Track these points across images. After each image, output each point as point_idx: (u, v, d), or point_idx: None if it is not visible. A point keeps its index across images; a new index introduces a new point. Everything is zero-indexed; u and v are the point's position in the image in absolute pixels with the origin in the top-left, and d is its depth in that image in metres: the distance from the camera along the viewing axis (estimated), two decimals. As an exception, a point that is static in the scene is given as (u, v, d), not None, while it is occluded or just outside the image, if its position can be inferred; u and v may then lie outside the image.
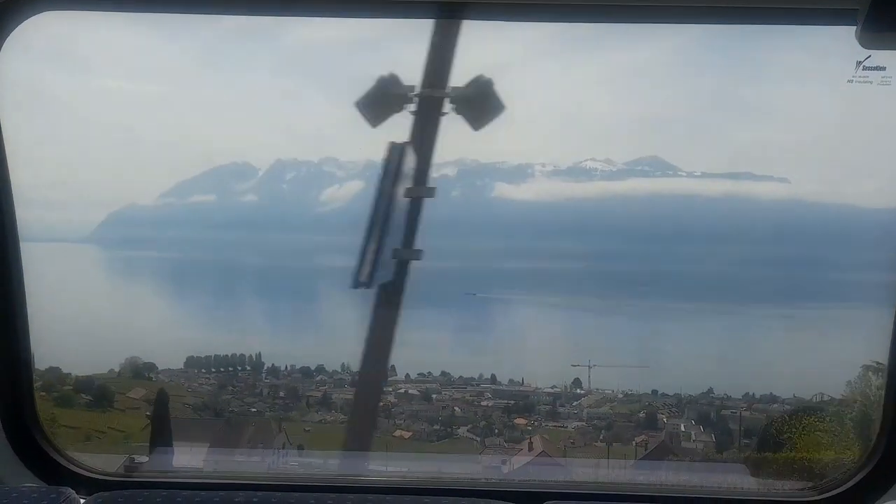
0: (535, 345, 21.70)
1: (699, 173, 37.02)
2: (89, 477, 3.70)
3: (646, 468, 15.46)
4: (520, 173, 41.02)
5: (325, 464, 14.82)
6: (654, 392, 17.80)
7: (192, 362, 19.00)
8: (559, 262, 29.19)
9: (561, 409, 17.59)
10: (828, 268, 25.49)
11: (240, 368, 20.02)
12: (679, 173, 37.61)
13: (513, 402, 17.96)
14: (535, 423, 17.26)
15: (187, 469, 12.35)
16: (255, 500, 2.81)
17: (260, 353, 19.94)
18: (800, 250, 27.47)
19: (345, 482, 4.00)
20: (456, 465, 16.13)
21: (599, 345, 22.37)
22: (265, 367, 20.71)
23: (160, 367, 20.68)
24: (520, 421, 17.30)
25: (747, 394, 17.30)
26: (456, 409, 17.53)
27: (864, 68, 3.35)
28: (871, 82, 3.34)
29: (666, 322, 24.46)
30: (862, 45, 3.05)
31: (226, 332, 22.81)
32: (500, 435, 17.16)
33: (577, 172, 40.83)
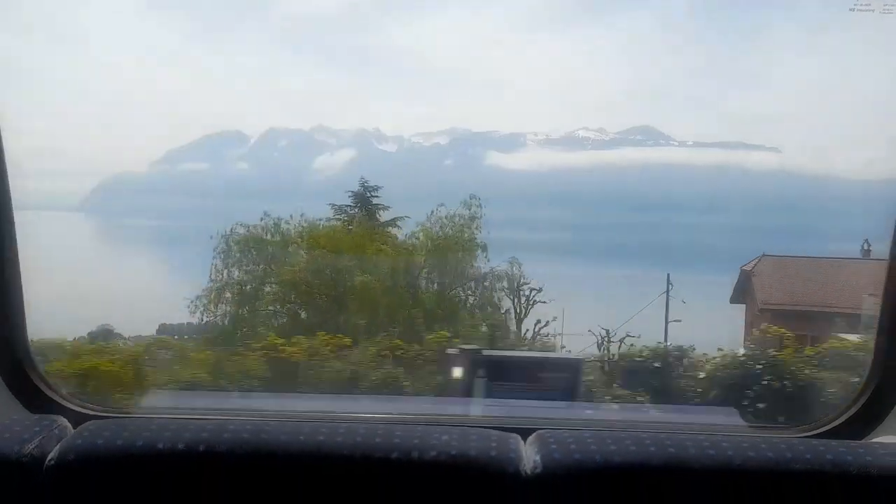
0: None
1: (691, 143, 37.14)
2: (81, 411, 3.75)
3: (630, 408, 15.71)
4: (512, 142, 41.03)
5: (315, 403, 15.11)
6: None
7: (164, 329, 19.06)
8: (549, 231, 29.27)
9: None
10: (816, 238, 25.63)
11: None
12: (671, 142, 37.72)
13: None
14: None
15: (177, 406, 12.45)
16: (247, 426, 2.85)
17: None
18: (792, 221, 27.60)
19: (336, 416, 4.04)
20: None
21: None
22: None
23: (131, 335, 20.96)
24: None
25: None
26: None
27: None
28: (872, 10, 3.28)
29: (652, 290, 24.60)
30: None
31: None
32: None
33: (569, 142, 40.84)
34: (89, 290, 19.58)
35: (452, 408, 14.70)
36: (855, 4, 3.30)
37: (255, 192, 35.21)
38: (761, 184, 31.25)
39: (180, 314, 17.59)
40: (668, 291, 19.85)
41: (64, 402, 3.93)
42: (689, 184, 31.59)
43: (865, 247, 20.85)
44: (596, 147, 35.26)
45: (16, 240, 3.81)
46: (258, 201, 34.11)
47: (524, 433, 3.14)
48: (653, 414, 15.40)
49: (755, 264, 20.34)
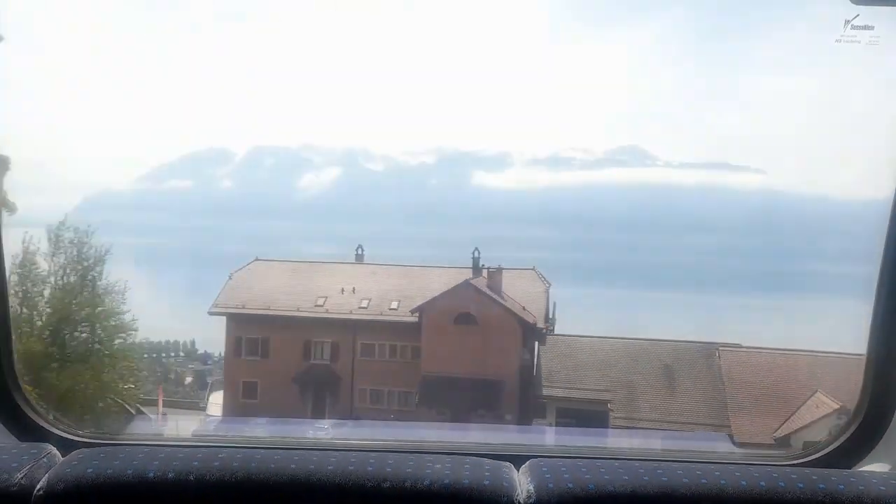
0: None
1: (677, 163, 37.41)
2: (68, 438, 3.66)
3: (623, 435, 15.76)
4: (499, 162, 41.21)
5: (306, 430, 15.09)
6: None
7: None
8: (534, 251, 29.29)
9: None
10: (802, 258, 25.78)
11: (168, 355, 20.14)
12: (657, 163, 37.98)
13: None
14: None
15: (169, 434, 12.29)
16: (237, 456, 2.77)
17: (194, 341, 19.89)
18: (775, 241, 27.76)
19: (326, 445, 3.99)
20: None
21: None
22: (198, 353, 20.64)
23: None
24: None
25: None
26: None
27: (853, 27, 3.28)
28: (858, 42, 3.28)
29: (637, 311, 24.69)
30: (851, 1, 3.01)
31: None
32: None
33: (555, 161, 41.09)
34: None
35: (446, 434, 14.59)
36: (841, 36, 3.32)
37: (240, 211, 35.11)
38: (745, 204, 31.47)
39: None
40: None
41: (52, 429, 3.83)
42: (675, 204, 31.78)
43: (359, 252, 21.41)
44: (582, 167, 35.51)
45: (5, 266, 3.70)
46: (243, 220, 34.02)
47: (517, 460, 3.09)
48: (646, 440, 15.44)
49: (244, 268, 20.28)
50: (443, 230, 31.71)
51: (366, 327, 19.20)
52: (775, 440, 14.69)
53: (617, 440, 15.48)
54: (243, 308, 19.20)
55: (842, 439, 3.61)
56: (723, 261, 26.92)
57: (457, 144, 38.51)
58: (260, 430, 15.07)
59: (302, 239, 32.21)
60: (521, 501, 2.77)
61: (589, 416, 16.80)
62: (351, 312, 19.24)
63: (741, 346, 17.60)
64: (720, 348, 17.34)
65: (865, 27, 3.19)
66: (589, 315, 24.33)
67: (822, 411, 14.74)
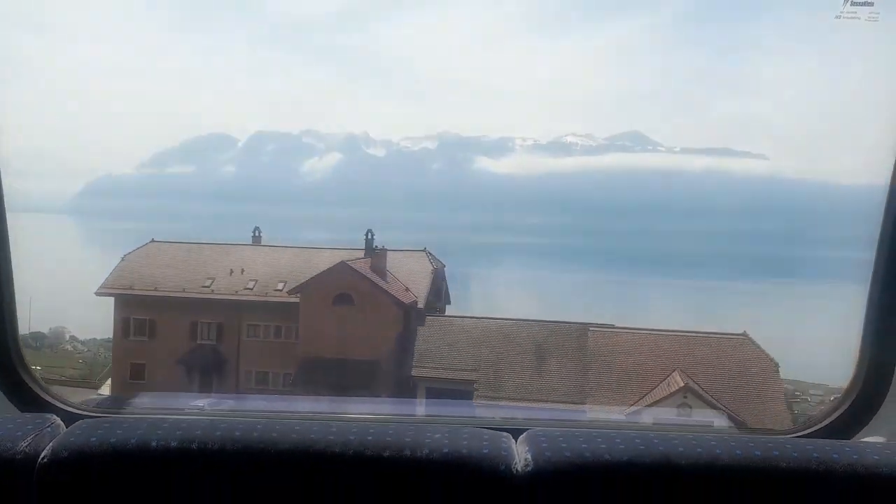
0: None
1: (679, 149, 37.27)
2: (72, 411, 3.70)
3: (624, 411, 15.81)
4: (501, 147, 41.07)
5: (305, 403, 15.18)
6: None
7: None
8: (534, 237, 29.31)
9: None
10: (804, 243, 25.79)
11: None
12: (658, 148, 37.86)
13: None
14: None
15: (171, 406, 12.39)
16: (239, 426, 2.79)
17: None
18: (777, 225, 27.73)
19: (328, 416, 4.00)
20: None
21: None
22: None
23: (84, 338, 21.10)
24: None
25: None
26: None
27: (853, 3, 3.25)
28: (858, 18, 3.26)
29: (638, 295, 24.71)
30: None
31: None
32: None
33: (557, 147, 40.96)
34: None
35: (446, 408, 14.61)
36: (841, 12, 3.31)
37: (242, 196, 35.06)
38: (747, 189, 31.42)
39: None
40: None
41: (56, 402, 3.88)
42: (676, 189, 31.75)
43: (256, 233, 21.09)
44: (584, 153, 35.36)
45: (9, 241, 3.75)
46: (245, 204, 34.02)
47: (516, 433, 3.13)
48: (643, 415, 15.50)
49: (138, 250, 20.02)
50: (443, 215, 31.74)
51: (251, 308, 18.80)
52: (626, 416, 14.91)
53: (615, 415, 15.56)
54: (130, 289, 18.96)
55: (839, 412, 3.63)
56: (724, 245, 26.94)
57: (459, 130, 38.44)
58: (262, 403, 15.22)
59: (302, 223, 32.30)
60: (519, 470, 2.80)
61: (454, 394, 16.89)
62: (236, 293, 18.93)
63: (614, 327, 17.67)
64: (590, 328, 17.41)
65: (865, 3, 3.19)
66: (584, 300, 24.40)
67: (671, 389, 14.99)
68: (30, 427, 2.98)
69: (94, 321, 19.14)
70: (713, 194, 30.34)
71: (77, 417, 3.49)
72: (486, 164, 36.02)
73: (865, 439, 3.46)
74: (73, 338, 21.78)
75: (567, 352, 17.19)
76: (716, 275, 25.17)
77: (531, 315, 18.87)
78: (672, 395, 14.77)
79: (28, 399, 3.78)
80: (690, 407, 14.34)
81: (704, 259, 26.78)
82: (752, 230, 27.87)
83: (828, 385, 16.08)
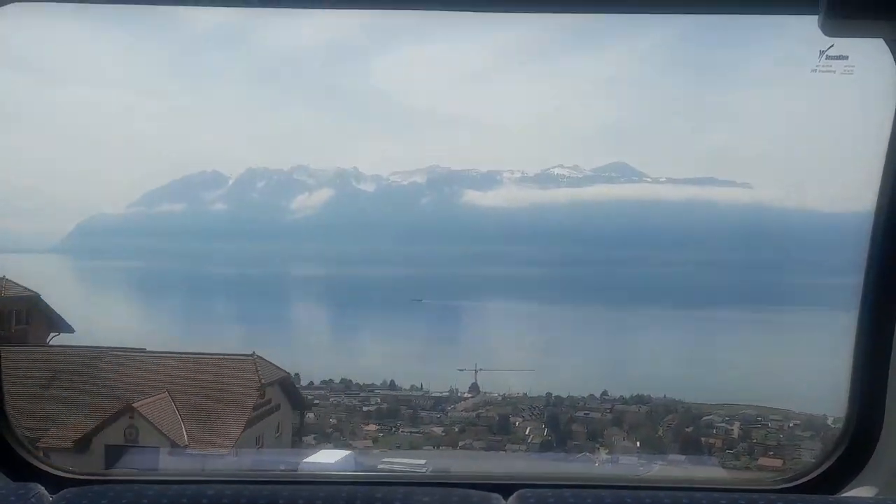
0: (461, 351, 21.63)
1: (664, 179, 37.68)
2: (58, 475, 3.76)
3: (614, 461, 15.83)
4: (489, 180, 41.44)
5: (291, 458, 15.00)
6: (525, 395, 18.22)
7: None
8: (524, 268, 29.46)
9: (424, 413, 17.92)
10: (789, 271, 26.03)
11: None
12: (645, 179, 38.25)
13: (386, 406, 18.25)
14: (388, 428, 17.68)
15: (156, 469, 12.31)
16: (226, 492, 2.83)
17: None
18: (762, 254, 27.99)
19: (316, 477, 4.08)
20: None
21: (549, 349, 22.71)
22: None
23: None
24: (370, 427, 17.64)
25: (628, 395, 17.69)
26: (310, 415, 17.62)
27: (827, 57, 3.40)
28: (833, 71, 3.40)
29: (623, 327, 24.86)
30: (824, 33, 3.10)
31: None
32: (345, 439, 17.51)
33: (545, 179, 41.31)
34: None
35: (434, 462, 14.57)
36: (817, 66, 3.47)
37: (234, 234, 35.13)
38: (730, 218, 31.76)
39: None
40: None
41: (42, 466, 3.95)
42: (662, 218, 32.05)
43: None
44: (571, 184, 35.74)
45: None
46: (236, 242, 34.11)
47: (505, 489, 3.19)
48: (635, 466, 15.53)
49: None
50: (433, 249, 31.88)
51: None
52: (73, 443, 14.45)
53: (605, 467, 15.54)
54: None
55: (828, 464, 3.68)
56: (708, 275, 27.16)
57: (448, 164, 38.83)
58: (249, 460, 15.00)
59: (292, 259, 32.35)
60: None
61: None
62: None
63: (145, 351, 17.10)
64: (115, 352, 16.85)
65: (839, 57, 3.34)
66: (580, 331, 24.50)
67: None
68: (13, 499, 3.05)
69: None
70: (698, 223, 30.64)
71: (64, 481, 3.59)
72: (475, 197, 36.28)
73: (854, 492, 3.55)
74: None
75: (72, 377, 16.58)
76: (700, 303, 25.38)
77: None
78: (120, 413, 14.31)
79: (15, 464, 3.87)
80: (137, 428, 14.12)
81: (695, 288, 26.99)
82: (736, 259, 28.16)
83: (790, 410, 16.05)
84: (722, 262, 27.05)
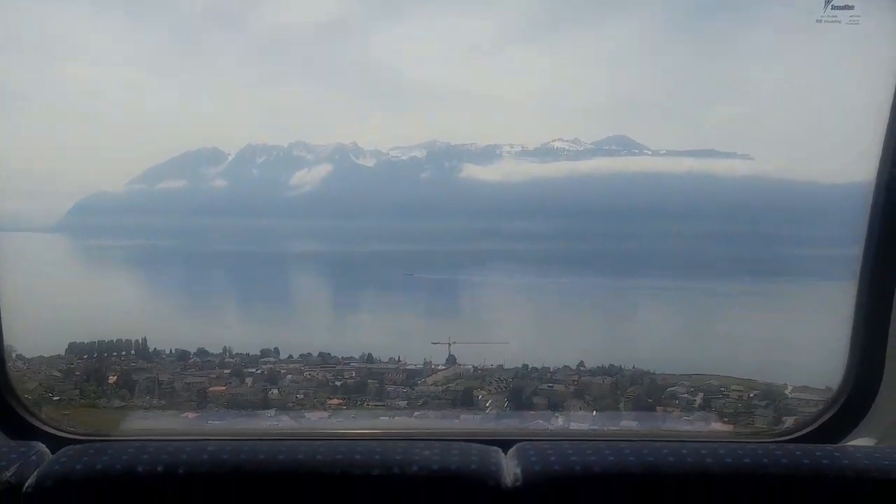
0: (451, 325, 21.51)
1: (664, 151, 37.51)
2: (57, 434, 3.82)
3: (613, 418, 15.97)
4: (489, 154, 41.24)
5: (287, 420, 15.24)
6: (500, 367, 18.14)
7: (73, 349, 18.79)
8: (521, 241, 29.49)
9: (392, 388, 17.86)
10: (790, 243, 26.08)
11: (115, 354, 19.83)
12: (645, 151, 38.07)
13: (354, 379, 18.13)
14: (353, 402, 17.68)
15: (156, 428, 12.52)
16: (226, 448, 2.88)
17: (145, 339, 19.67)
18: (763, 227, 28.04)
19: (315, 434, 4.15)
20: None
21: (549, 322, 22.77)
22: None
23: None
24: (333, 401, 17.69)
25: (604, 366, 17.56)
26: (274, 391, 17.70)
27: (833, 7, 3.41)
28: (839, 21, 3.41)
29: (625, 299, 24.95)
30: None
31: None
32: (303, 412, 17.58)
33: (545, 153, 41.11)
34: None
35: (435, 422, 14.74)
36: (822, 16, 3.47)
37: (233, 210, 35.11)
38: (732, 190, 31.73)
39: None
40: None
41: (42, 426, 3.97)
42: (663, 191, 32.02)
43: None
44: (571, 158, 35.53)
45: None
46: (236, 218, 34.08)
47: (505, 445, 3.24)
48: (632, 423, 15.70)
49: None
50: (434, 224, 31.87)
51: None
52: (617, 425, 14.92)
53: (603, 423, 15.68)
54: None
55: (827, 416, 3.76)
56: (711, 247, 27.20)
57: (448, 139, 38.64)
58: (248, 421, 15.23)
59: (290, 235, 32.38)
60: (509, 484, 2.91)
61: None
62: None
63: None
64: None
65: (845, 7, 3.33)
66: (572, 304, 24.55)
67: None
68: (14, 456, 3.10)
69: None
70: (699, 195, 30.63)
71: (65, 441, 3.63)
72: (475, 172, 36.18)
73: (855, 442, 3.63)
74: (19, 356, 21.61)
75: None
76: (700, 276, 25.44)
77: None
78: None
79: (15, 424, 3.93)
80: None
81: (693, 260, 27.05)
82: (740, 230, 28.17)
83: (754, 380, 16.25)
84: (721, 234, 27.11)
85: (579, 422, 15.79)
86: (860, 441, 3.69)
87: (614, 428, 14.34)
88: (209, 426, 14.04)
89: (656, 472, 2.89)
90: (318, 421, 15.58)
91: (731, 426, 14.87)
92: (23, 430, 3.84)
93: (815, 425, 3.82)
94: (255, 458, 2.94)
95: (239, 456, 2.94)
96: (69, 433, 3.91)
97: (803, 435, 3.80)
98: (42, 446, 3.21)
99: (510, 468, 3.00)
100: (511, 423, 15.91)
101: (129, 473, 2.91)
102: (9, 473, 2.93)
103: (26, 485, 2.92)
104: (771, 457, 2.93)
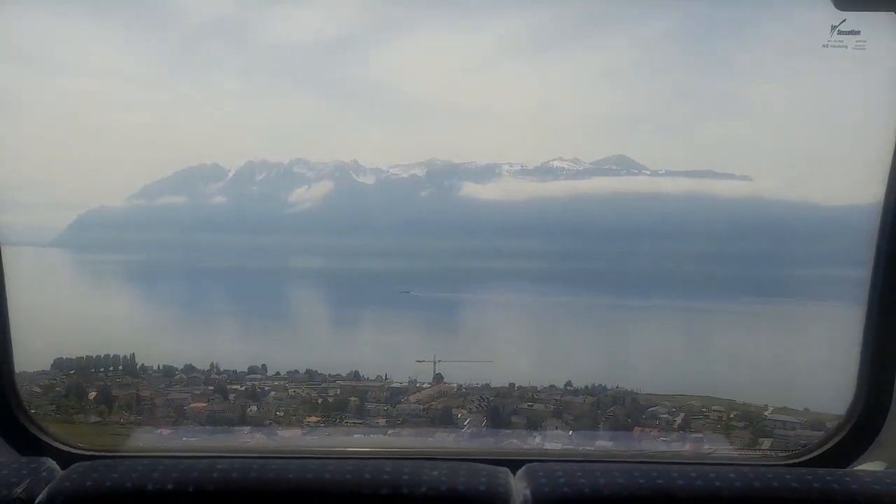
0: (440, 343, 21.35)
1: (663, 171, 37.65)
2: (68, 451, 3.78)
3: (623, 438, 15.85)
4: (489, 173, 41.37)
5: (296, 439, 15.09)
6: (487, 385, 18.04)
7: (59, 364, 18.69)
8: (521, 260, 29.49)
9: (373, 406, 17.72)
10: (788, 264, 26.12)
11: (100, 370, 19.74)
12: (644, 171, 38.20)
13: (335, 397, 17.96)
14: (332, 420, 17.55)
15: (166, 446, 12.41)
16: (236, 466, 2.85)
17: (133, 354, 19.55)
18: (761, 247, 28.07)
19: (324, 453, 4.10)
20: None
21: (538, 342, 22.72)
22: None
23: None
24: (311, 419, 17.56)
25: (589, 386, 17.44)
26: (253, 408, 17.60)
27: (839, 32, 3.40)
28: (845, 46, 3.40)
29: (621, 319, 24.94)
30: (836, 7, 3.12)
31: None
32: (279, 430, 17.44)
33: (544, 172, 41.24)
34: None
35: (443, 441, 14.58)
36: (828, 41, 3.48)
37: (233, 226, 35.13)
38: (731, 211, 31.80)
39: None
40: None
41: (52, 442, 3.95)
42: (662, 211, 32.08)
43: None
44: (570, 177, 35.66)
45: (4, 279, 3.85)
46: (235, 235, 34.08)
47: (514, 465, 3.22)
48: (643, 443, 15.61)
49: None
50: (433, 241, 31.90)
51: None
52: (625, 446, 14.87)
53: (614, 443, 15.58)
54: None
55: (837, 439, 3.72)
56: (709, 267, 27.22)
57: (447, 157, 38.77)
58: (257, 438, 15.10)
59: (290, 252, 32.39)
60: None
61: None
62: None
63: None
64: None
65: (851, 32, 3.34)
66: (567, 322, 24.54)
67: None
68: (24, 472, 3.07)
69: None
70: (698, 215, 30.69)
71: (75, 457, 3.60)
72: (475, 190, 36.27)
73: (863, 466, 3.58)
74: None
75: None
76: (701, 296, 25.45)
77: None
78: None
79: (26, 441, 3.89)
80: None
81: (691, 280, 27.05)
82: (736, 251, 28.22)
83: (733, 401, 16.22)
84: (721, 255, 27.14)
85: (590, 440, 15.65)
86: (869, 465, 3.65)
87: (626, 448, 14.24)
88: (219, 442, 13.93)
89: (666, 495, 2.85)
90: (292, 439, 15.36)
91: (738, 450, 14.82)
92: (32, 445, 3.81)
93: (825, 449, 3.78)
94: (265, 477, 2.93)
95: (249, 475, 2.92)
96: (78, 449, 3.88)
97: (812, 458, 3.76)
98: (52, 462, 3.18)
99: (519, 489, 2.97)
100: (521, 443, 15.80)
101: (139, 491, 2.89)
102: (20, 490, 2.91)
103: (37, 501, 2.90)
104: (780, 480, 2.90)
